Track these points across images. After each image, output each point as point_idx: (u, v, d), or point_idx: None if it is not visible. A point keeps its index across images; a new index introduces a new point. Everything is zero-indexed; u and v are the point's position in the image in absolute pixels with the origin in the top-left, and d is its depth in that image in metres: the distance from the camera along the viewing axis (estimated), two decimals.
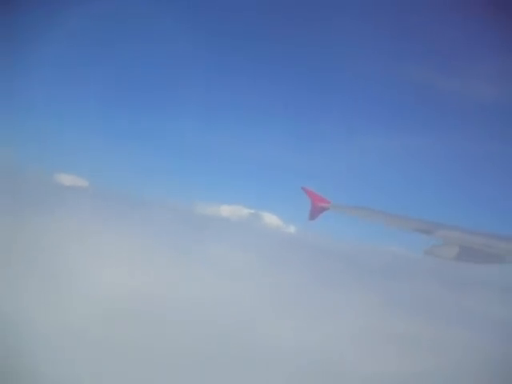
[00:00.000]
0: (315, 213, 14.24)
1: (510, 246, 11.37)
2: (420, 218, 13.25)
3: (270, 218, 31.57)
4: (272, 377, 13.13)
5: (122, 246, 23.97)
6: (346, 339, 16.19)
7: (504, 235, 11.98)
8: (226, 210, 32.96)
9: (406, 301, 21.12)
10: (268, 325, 16.46)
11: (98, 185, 32.93)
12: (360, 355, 15.26)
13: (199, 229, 30.02)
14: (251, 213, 32.69)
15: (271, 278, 22.42)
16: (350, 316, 17.87)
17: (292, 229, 31.33)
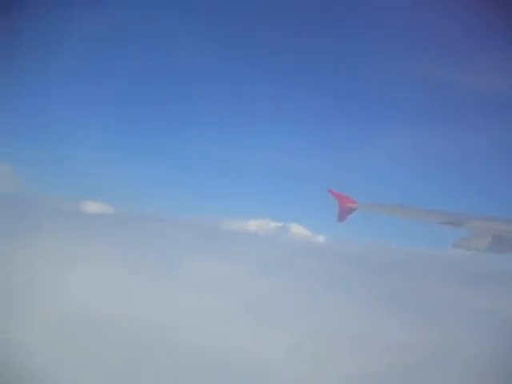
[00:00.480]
0: (344, 214, 14.38)
1: None
2: (448, 211, 13.30)
3: (297, 229, 31.62)
4: None
5: (148, 264, 24.20)
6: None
7: None
8: (248, 224, 33.13)
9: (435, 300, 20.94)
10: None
11: (119, 207, 33.28)
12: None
13: (223, 244, 30.19)
14: (277, 225, 32.80)
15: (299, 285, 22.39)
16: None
17: (321, 237, 31.32)
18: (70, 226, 27.57)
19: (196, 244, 29.46)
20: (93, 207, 33.67)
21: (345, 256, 27.66)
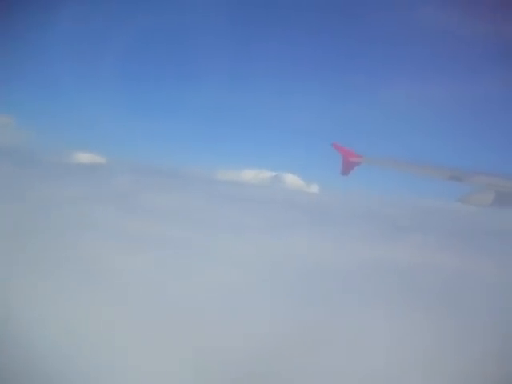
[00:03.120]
0: (347, 168, 14.54)
1: None
2: (453, 167, 13.41)
3: (295, 180, 31.90)
4: None
5: (143, 220, 24.32)
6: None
7: None
8: (249, 175, 33.36)
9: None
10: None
11: (116, 159, 33.35)
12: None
13: (223, 196, 30.45)
14: (275, 176, 33.08)
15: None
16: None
17: (318, 188, 31.60)
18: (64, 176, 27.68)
19: (188, 195, 29.61)
20: (86, 158, 33.77)
21: (348, 208, 27.93)
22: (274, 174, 32.93)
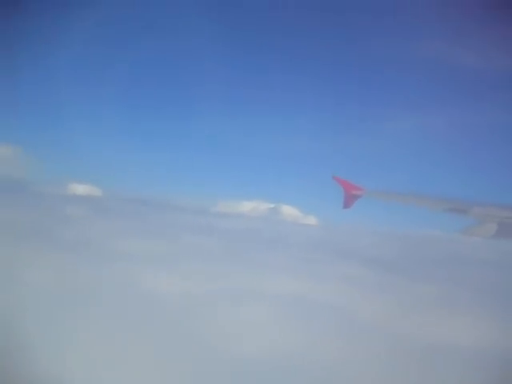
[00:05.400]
0: (350, 201, 14.72)
1: None
2: (453, 198, 13.59)
3: (292, 210, 32.03)
4: None
5: (141, 250, 24.38)
6: None
7: None
8: (246, 206, 33.48)
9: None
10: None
11: (112, 191, 33.43)
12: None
13: (219, 227, 30.47)
14: (272, 207, 33.23)
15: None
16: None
17: (317, 220, 31.66)
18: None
19: (187, 226, 29.59)
20: (81, 190, 33.91)
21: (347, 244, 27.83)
22: (272, 205, 33.11)
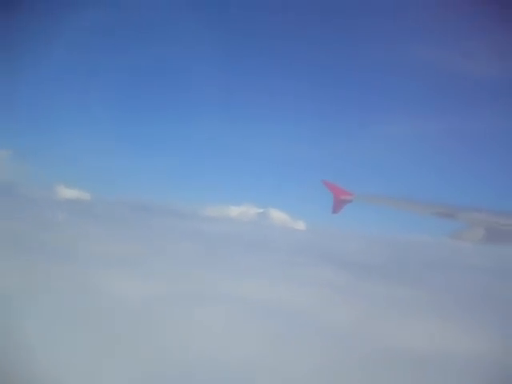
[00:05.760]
0: (339, 206, 14.74)
1: None
2: (443, 203, 13.70)
3: (281, 215, 32.04)
4: None
5: (130, 254, 24.23)
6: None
7: None
8: (235, 211, 33.48)
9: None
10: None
11: (102, 194, 33.34)
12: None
13: (208, 232, 30.42)
14: (260, 212, 33.22)
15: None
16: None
17: (305, 225, 31.76)
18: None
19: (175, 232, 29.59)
20: (69, 194, 33.74)
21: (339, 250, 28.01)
22: (261, 210, 33.10)
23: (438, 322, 17.07)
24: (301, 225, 32.19)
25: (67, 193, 34.63)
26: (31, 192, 31.81)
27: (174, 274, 20.85)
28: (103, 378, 10.33)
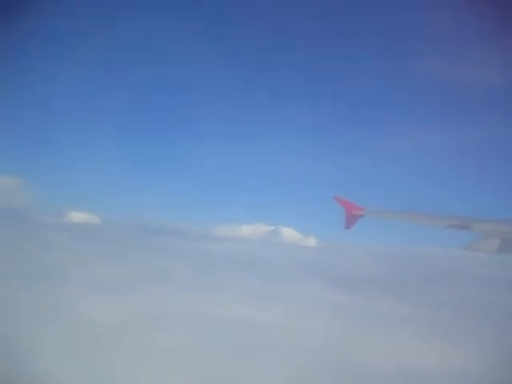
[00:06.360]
0: (351, 221, 14.73)
1: None
2: (456, 215, 13.68)
3: (291, 232, 31.93)
4: None
5: (139, 275, 24.32)
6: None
7: None
8: (245, 230, 33.41)
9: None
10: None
11: (110, 216, 33.46)
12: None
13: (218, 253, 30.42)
14: (271, 230, 33.12)
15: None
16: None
17: (317, 242, 31.62)
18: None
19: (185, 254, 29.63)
20: (75, 217, 33.92)
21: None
22: (272, 228, 33.03)
23: (437, 339, 17.03)
24: (312, 241, 32.12)
25: (74, 216, 34.84)
26: (36, 215, 32.03)
27: (177, 296, 20.90)
28: None
